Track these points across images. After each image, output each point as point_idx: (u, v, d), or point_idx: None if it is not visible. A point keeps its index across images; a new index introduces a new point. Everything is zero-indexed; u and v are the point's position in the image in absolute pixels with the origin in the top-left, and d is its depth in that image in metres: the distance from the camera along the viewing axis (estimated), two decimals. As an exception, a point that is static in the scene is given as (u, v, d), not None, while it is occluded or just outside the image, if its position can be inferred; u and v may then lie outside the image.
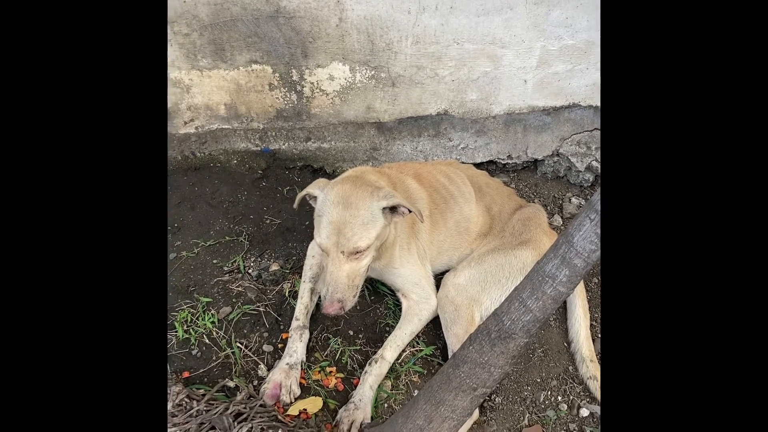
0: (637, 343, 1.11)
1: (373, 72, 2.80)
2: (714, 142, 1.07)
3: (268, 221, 2.88)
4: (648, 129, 1.11)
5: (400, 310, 2.42)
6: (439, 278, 2.46)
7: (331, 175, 3.13)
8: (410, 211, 2.06)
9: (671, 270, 1.09)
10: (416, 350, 2.38)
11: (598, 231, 1.28)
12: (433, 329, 2.44)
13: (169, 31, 2.61)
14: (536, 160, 3.25)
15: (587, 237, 1.30)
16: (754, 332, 1.02)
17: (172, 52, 2.70)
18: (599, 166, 3.16)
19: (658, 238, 1.10)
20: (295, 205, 2.21)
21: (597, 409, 2.24)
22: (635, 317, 1.12)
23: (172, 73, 2.79)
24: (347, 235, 1.96)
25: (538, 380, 2.33)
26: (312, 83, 2.84)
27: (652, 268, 1.10)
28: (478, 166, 3.13)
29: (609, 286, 1.14)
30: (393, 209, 2.07)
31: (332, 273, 2.00)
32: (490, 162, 3.24)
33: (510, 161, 3.21)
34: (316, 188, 2.10)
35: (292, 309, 2.38)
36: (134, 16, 1.10)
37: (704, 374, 1.06)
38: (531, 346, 2.43)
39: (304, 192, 2.15)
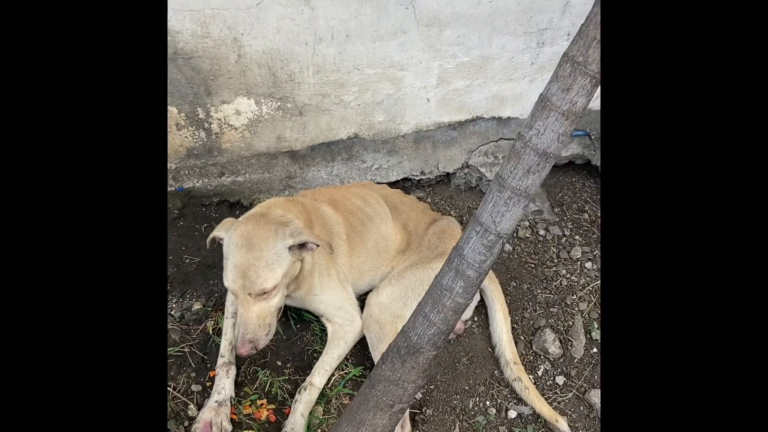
0: (636, 341, 1.15)
1: (279, 103, 2.84)
2: (708, 141, 1.12)
3: (187, 260, 2.86)
4: (647, 130, 1.16)
5: (327, 335, 2.44)
6: (364, 299, 2.50)
7: (248, 208, 3.12)
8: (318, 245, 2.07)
9: (671, 266, 1.13)
10: (345, 373, 2.40)
11: (485, 242, 1.36)
12: (361, 350, 2.48)
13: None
14: (448, 174, 3.35)
15: (476, 249, 1.37)
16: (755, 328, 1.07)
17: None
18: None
19: (658, 234, 1.14)
20: (208, 247, 2.20)
21: (524, 409, 2.32)
22: (635, 316, 1.15)
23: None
24: (252, 277, 1.95)
25: (466, 388, 2.40)
26: (219, 119, 2.85)
27: (652, 266, 1.14)
28: (394, 184, 3.21)
29: (609, 285, 1.17)
30: (301, 245, 2.07)
31: (242, 315, 2.00)
32: (405, 179, 3.32)
33: (423, 177, 3.30)
34: (222, 230, 2.08)
35: (218, 346, 2.37)
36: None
37: (705, 370, 1.09)
38: (456, 355, 2.50)
39: (211, 235, 2.13)
